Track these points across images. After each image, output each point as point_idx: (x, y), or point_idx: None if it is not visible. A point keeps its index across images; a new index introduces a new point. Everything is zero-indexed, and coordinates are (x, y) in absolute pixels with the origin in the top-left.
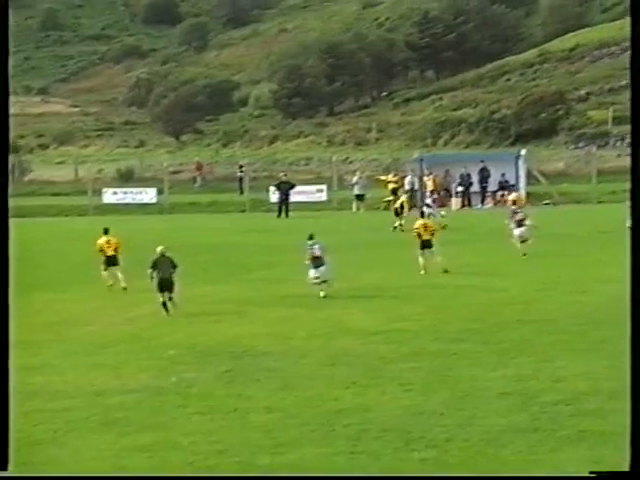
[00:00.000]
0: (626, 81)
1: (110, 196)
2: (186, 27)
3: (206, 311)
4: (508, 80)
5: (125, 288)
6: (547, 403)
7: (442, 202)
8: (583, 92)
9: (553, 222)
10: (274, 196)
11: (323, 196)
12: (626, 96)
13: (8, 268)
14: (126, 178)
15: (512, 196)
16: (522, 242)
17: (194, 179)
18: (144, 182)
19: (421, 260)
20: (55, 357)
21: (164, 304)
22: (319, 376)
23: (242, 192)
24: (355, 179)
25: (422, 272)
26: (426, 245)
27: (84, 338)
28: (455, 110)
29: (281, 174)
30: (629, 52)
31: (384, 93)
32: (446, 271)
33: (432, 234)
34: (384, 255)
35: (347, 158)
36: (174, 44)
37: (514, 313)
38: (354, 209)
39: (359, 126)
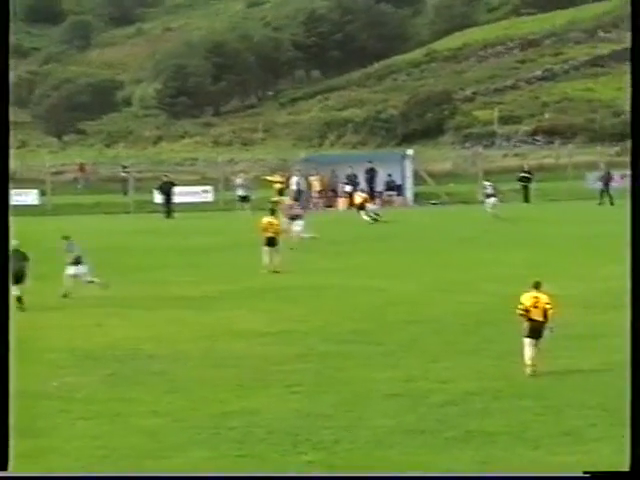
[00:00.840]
0: (512, 81)
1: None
2: (68, 25)
3: (90, 313)
4: (395, 80)
5: None
6: (435, 404)
7: (329, 202)
8: (469, 92)
9: (441, 223)
10: (158, 197)
11: (209, 197)
12: (512, 96)
13: (8, 267)
14: None
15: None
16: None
17: (77, 180)
18: (25, 183)
19: (266, 259)
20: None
21: (19, 298)
22: (205, 379)
23: (126, 193)
24: (239, 180)
25: (264, 270)
26: (271, 243)
27: None
28: (341, 110)
29: (165, 175)
30: (515, 52)
31: (270, 93)
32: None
33: (276, 232)
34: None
35: (233, 159)
36: (56, 43)
37: (401, 314)
38: (240, 210)
39: (245, 126)
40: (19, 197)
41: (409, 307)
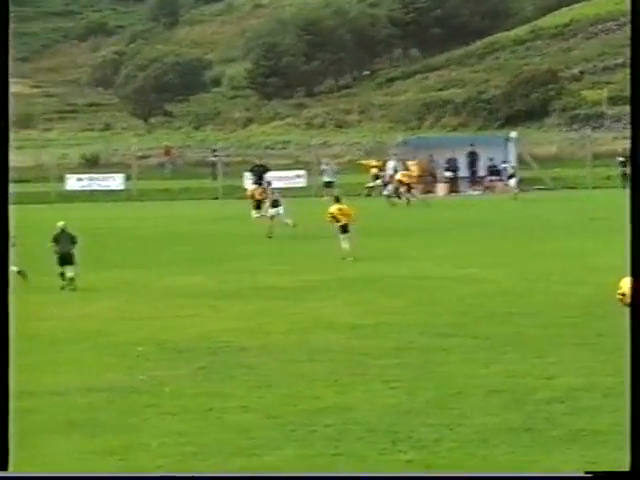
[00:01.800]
0: (623, 59)
1: (74, 182)
2: (155, 2)
3: (181, 304)
4: (497, 58)
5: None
6: (541, 401)
7: (427, 188)
8: (576, 71)
9: (544, 210)
10: (249, 182)
11: (302, 182)
12: (622, 75)
13: (8, 267)
14: (91, 163)
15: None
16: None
17: (163, 164)
18: (110, 168)
19: (345, 246)
20: (14, 354)
21: (62, 274)
22: (299, 373)
23: (215, 178)
24: (323, 166)
25: (349, 258)
26: (345, 230)
27: (43, 334)
28: (441, 90)
29: (258, 160)
30: (627, 27)
31: (366, 72)
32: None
33: (348, 218)
34: (364, 244)
35: (327, 141)
36: (142, 20)
37: (503, 305)
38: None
39: (339, 107)
40: (104, 182)
41: (509, 298)
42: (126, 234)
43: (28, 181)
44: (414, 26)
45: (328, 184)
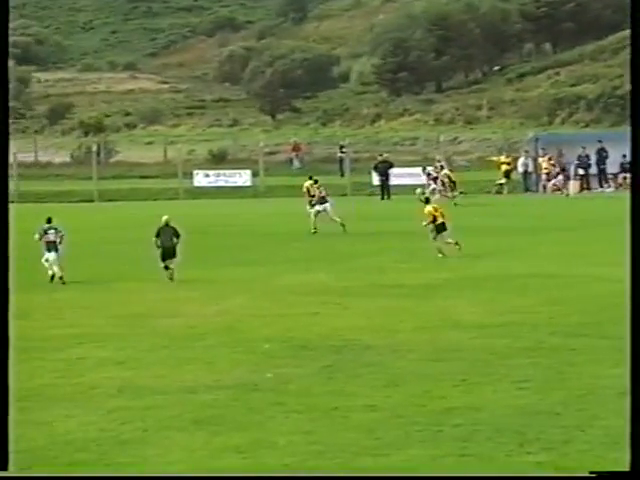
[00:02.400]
0: None
1: (202, 178)
2: None
3: (305, 302)
4: None
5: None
6: None
7: (559, 185)
8: None
9: None
10: (376, 179)
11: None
12: None
13: (8, 268)
14: (219, 159)
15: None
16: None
17: (291, 160)
18: (238, 163)
19: (438, 245)
20: (143, 351)
21: (166, 267)
22: (426, 372)
23: (343, 174)
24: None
25: (440, 255)
26: (443, 228)
27: (173, 331)
28: (573, 86)
29: (380, 155)
30: None
31: (496, 67)
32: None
33: (444, 217)
34: (497, 242)
35: (456, 138)
36: (271, 15)
37: None
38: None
39: (469, 103)
40: (231, 178)
41: None
42: (253, 231)
43: (156, 177)
44: (546, 20)
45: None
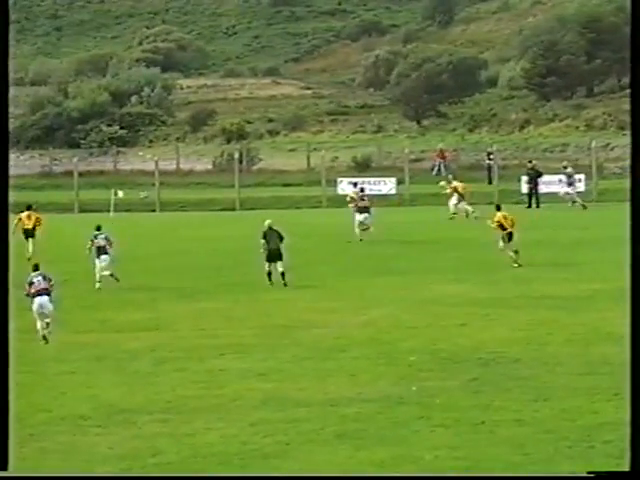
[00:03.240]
0: None
1: (346, 186)
2: (430, 0)
3: (452, 313)
4: None
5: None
6: None
7: None
8: None
9: None
10: (525, 186)
11: (581, 186)
12: None
13: (8, 269)
14: (362, 166)
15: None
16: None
17: (437, 168)
18: (382, 171)
19: (509, 253)
20: (286, 362)
21: (269, 274)
22: (577, 386)
23: (490, 182)
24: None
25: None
26: (510, 237)
27: (316, 342)
28: None
29: (529, 161)
30: None
31: None
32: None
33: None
34: None
35: (608, 144)
36: (417, 19)
37: None
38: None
39: (622, 108)
40: (375, 186)
41: None
42: (399, 239)
43: (299, 184)
44: None
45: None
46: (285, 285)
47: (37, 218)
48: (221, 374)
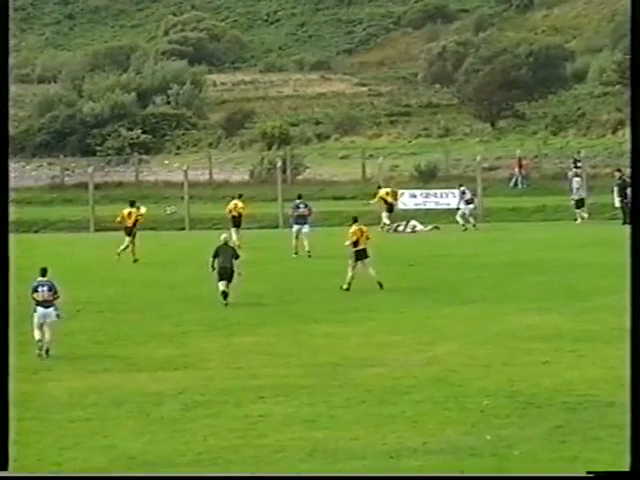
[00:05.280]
0: None
1: (407, 199)
2: None
3: (533, 349)
4: None
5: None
6: None
7: None
8: None
9: None
10: (617, 199)
11: None
12: None
13: (8, 267)
14: (427, 176)
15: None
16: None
17: (515, 179)
18: (450, 181)
19: (350, 274)
20: (337, 407)
21: (223, 293)
22: None
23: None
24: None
25: (344, 287)
26: (361, 256)
27: (373, 383)
28: None
29: (618, 170)
30: None
31: None
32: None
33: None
34: None
35: None
36: (490, 2)
37: None
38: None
39: None
40: (442, 199)
41: None
42: (467, 262)
43: (353, 197)
44: None
45: (578, 202)
46: (226, 305)
47: (138, 216)
48: (261, 421)
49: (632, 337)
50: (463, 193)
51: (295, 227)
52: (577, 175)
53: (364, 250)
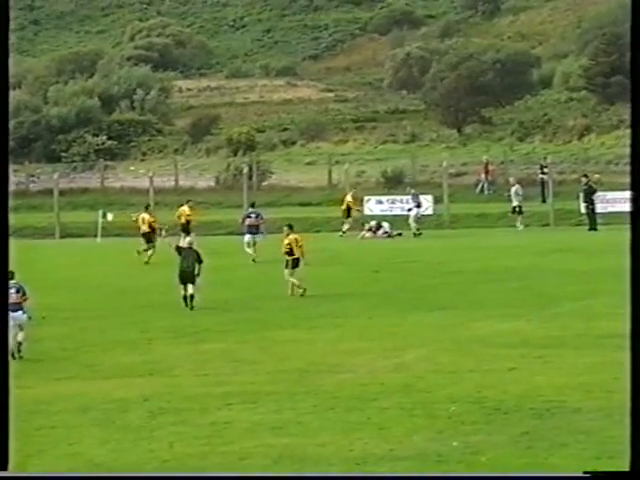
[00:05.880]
0: None
1: (373, 206)
2: None
3: (501, 355)
4: None
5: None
6: None
7: None
8: None
9: None
10: (583, 205)
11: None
12: None
13: (7, 266)
14: (393, 183)
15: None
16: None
17: (481, 185)
18: (417, 188)
19: (290, 281)
20: (304, 413)
21: (184, 298)
22: None
23: (544, 200)
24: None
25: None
26: (294, 264)
27: (340, 389)
28: None
29: (584, 176)
30: None
31: None
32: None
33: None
34: None
35: None
36: (457, 8)
37: None
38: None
39: None
40: (408, 205)
41: None
42: (434, 268)
43: (319, 204)
44: None
45: (515, 209)
46: (191, 309)
47: (152, 221)
48: (227, 428)
49: (632, 342)
50: (415, 196)
51: (247, 237)
52: (518, 182)
53: (297, 259)
